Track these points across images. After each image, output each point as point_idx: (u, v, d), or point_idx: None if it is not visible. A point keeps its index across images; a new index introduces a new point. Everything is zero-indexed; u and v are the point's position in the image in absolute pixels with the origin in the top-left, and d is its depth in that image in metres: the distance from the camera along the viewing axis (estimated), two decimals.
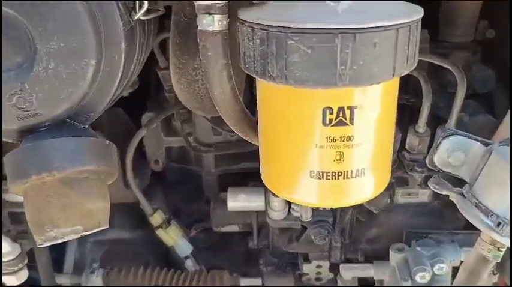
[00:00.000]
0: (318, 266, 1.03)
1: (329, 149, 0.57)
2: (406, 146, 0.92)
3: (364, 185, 0.61)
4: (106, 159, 0.61)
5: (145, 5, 0.58)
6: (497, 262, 0.86)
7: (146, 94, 1.16)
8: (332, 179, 0.59)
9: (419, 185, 0.92)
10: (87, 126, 0.62)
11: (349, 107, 0.55)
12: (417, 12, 0.55)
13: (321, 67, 0.51)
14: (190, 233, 1.15)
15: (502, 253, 0.64)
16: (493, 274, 0.85)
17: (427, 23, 0.92)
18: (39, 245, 0.61)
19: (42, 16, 0.53)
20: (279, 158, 0.63)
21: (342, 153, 0.58)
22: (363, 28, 0.49)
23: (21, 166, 0.58)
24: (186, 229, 1.15)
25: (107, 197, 0.62)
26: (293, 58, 0.51)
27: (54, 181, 0.57)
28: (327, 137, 0.57)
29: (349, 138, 0.57)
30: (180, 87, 0.86)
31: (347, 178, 0.59)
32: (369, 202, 0.90)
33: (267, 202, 0.95)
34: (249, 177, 1.11)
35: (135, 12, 0.59)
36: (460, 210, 0.65)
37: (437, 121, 0.99)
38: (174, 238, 1.11)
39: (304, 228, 0.96)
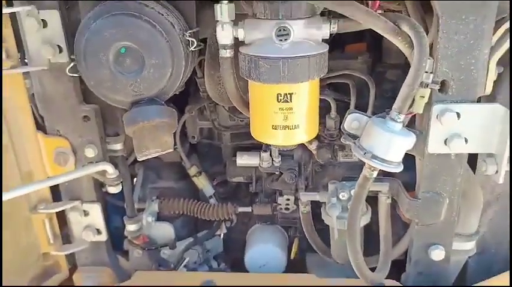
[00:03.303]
0: (288, 199, 1.63)
1: (280, 113, 1.18)
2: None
3: (300, 133, 1.21)
4: (173, 117, 1.24)
5: (195, 43, 1.21)
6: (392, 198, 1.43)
7: (186, 95, 1.79)
8: (283, 129, 1.19)
9: (351, 149, 1.51)
10: (163, 102, 1.24)
11: (289, 93, 1.16)
12: (323, 49, 1.15)
13: (275, 73, 1.12)
14: (213, 182, 1.77)
15: (373, 173, 1.21)
16: (388, 197, 1.42)
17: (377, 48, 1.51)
18: (139, 158, 1.23)
19: (148, 48, 1.15)
20: (258, 119, 1.24)
21: (286, 116, 1.18)
22: (292, 57, 1.10)
23: (133, 118, 1.20)
24: (210, 180, 1.77)
25: (171, 136, 1.24)
26: (262, 70, 1.12)
27: (149, 125, 1.20)
28: (279, 108, 1.17)
29: (290, 109, 1.17)
30: (210, 87, 1.47)
31: (290, 129, 1.19)
32: (318, 156, 1.50)
33: (260, 158, 1.56)
34: (252, 148, 1.72)
35: (189, 47, 1.22)
36: (352, 150, 1.23)
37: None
38: (203, 183, 1.73)
39: (281, 173, 1.57)
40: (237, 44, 1.19)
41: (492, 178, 1.28)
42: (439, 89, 1.17)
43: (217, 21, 1.15)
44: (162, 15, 1.15)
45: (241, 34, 1.15)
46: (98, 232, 1.54)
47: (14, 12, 1.24)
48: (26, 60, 1.32)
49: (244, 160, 1.62)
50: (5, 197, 1.22)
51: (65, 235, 1.57)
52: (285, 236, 1.75)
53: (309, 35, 1.14)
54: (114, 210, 1.70)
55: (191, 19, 1.27)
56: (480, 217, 1.42)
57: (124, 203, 1.59)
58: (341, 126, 1.28)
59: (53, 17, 1.24)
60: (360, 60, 1.55)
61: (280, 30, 1.10)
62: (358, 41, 1.66)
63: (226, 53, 1.17)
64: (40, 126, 1.41)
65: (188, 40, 1.21)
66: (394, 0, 1.27)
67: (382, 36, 1.58)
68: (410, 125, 1.26)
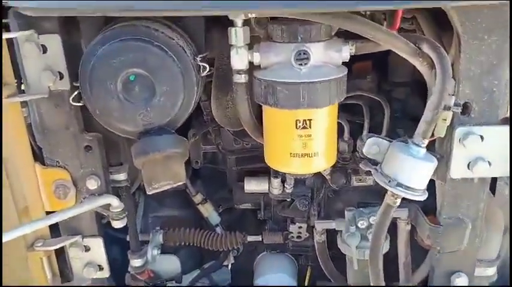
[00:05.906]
0: (300, 227, 1.56)
1: (299, 141, 1.12)
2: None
3: (319, 161, 1.15)
4: (184, 147, 1.16)
5: (207, 69, 1.14)
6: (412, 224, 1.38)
7: (189, 119, 1.72)
8: (301, 157, 1.13)
9: (365, 173, 1.46)
10: (174, 131, 1.17)
11: (308, 119, 1.10)
12: (343, 72, 1.10)
13: (293, 99, 1.06)
14: (219, 209, 1.70)
15: (397, 201, 1.16)
16: (407, 223, 1.37)
17: (383, 67, 1.47)
18: (149, 192, 1.16)
19: (159, 74, 1.08)
20: (275, 147, 1.17)
21: (305, 143, 1.12)
22: (312, 81, 1.05)
23: (142, 149, 1.12)
24: (216, 207, 1.70)
25: (183, 167, 1.17)
26: (280, 95, 1.07)
27: (160, 157, 1.12)
28: (297, 135, 1.11)
29: (309, 136, 1.12)
30: (216, 111, 1.42)
31: (309, 157, 1.14)
32: (332, 181, 1.44)
33: (270, 184, 1.50)
34: (258, 173, 1.66)
35: (200, 73, 1.15)
36: (374, 177, 1.18)
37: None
38: (208, 210, 1.66)
39: (292, 200, 1.50)
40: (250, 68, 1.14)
41: None
42: (461, 112, 1.13)
43: (231, 45, 1.09)
44: (173, 39, 1.09)
45: (256, 58, 1.10)
46: (100, 268, 1.44)
47: (11, 38, 1.16)
48: (22, 88, 1.24)
49: (252, 186, 1.55)
50: (4, 239, 1.14)
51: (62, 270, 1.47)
52: (294, 264, 1.68)
53: (328, 58, 1.09)
54: (112, 240, 1.61)
55: (200, 43, 1.21)
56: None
57: (124, 235, 1.50)
58: (360, 151, 1.23)
59: (54, 41, 1.16)
60: (369, 79, 1.51)
61: (299, 54, 1.04)
62: (362, 59, 1.62)
63: (241, 79, 1.11)
64: (37, 157, 1.33)
65: (199, 65, 1.14)
66: (408, 19, 1.23)
67: (387, 54, 1.58)
68: (429, 148, 1.21)
